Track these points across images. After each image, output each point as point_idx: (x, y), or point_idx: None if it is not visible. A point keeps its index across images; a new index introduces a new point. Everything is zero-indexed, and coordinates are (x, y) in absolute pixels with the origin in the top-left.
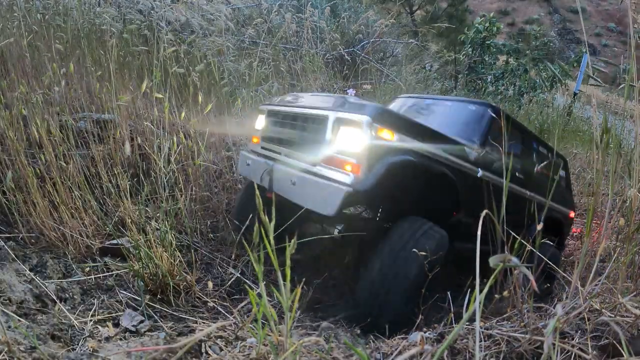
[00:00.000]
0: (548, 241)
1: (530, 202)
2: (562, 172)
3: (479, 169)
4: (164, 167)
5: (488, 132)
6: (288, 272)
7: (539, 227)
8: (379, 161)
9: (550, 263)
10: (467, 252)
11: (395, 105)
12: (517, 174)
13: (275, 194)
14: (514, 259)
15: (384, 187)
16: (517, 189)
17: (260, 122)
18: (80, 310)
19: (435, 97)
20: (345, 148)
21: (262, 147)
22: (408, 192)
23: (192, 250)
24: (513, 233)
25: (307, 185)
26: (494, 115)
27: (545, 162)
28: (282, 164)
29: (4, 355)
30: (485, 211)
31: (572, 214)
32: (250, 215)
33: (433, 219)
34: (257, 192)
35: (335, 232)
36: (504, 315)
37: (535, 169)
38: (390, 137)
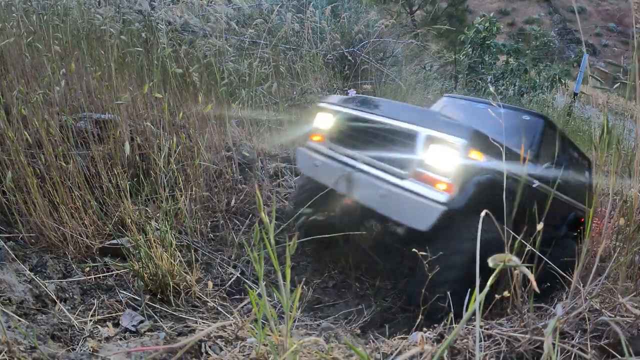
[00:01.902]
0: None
1: (565, 205)
2: (586, 173)
3: (535, 180)
4: (164, 167)
5: (541, 143)
6: (288, 272)
7: (539, 227)
8: (469, 181)
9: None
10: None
11: (441, 105)
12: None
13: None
14: (514, 259)
15: (472, 205)
16: (559, 195)
17: (325, 121)
18: (80, 310)
19: (485, 101)
20: (437, 166)
21: (330, 149)
22: (488, 207)
23: (192, 250)
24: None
25: (400, 200)
26: (546, 126)
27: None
28: (363, 173)
29: (4, 355)
30: (485, 211)
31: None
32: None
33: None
34: (259, 195)
35: (399, 230)
36: (505, 318)
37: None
38: (478, 158)
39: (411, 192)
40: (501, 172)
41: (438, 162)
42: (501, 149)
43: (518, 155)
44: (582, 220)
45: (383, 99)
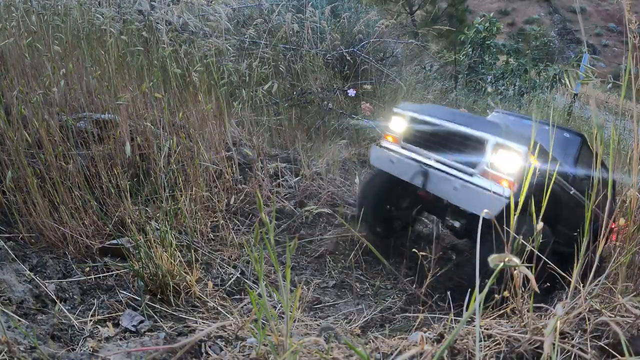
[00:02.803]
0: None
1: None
2: (611, 190)
3: (572, 187)
4: (164, 167)
5: (578, 157)
6: (288, 272)
7: (539, 227)
8: (529, 181)
9: None
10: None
11: (493, 119)
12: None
13: (427, 192)
14: (514, 259)
15: (526, 201)
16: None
17: (400, 124)
18: (80, 310)
19: (530, 117)
20: (502, 167)
21: (404, 148)
22: (538, 204)
23: (192, 250)
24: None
25: (471, 193)
26: (582, 143)
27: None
28: (437, 170)
29: (4, 355)
30: (485, 210)
31: (612, 224)
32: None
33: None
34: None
35: (457, 224)
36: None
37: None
38: (535, 162)
39: (481, 186)
40: (551, 177)
41: (504, 163)
42: (553, 158)
43: (563, 171)
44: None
45: (451, 109)
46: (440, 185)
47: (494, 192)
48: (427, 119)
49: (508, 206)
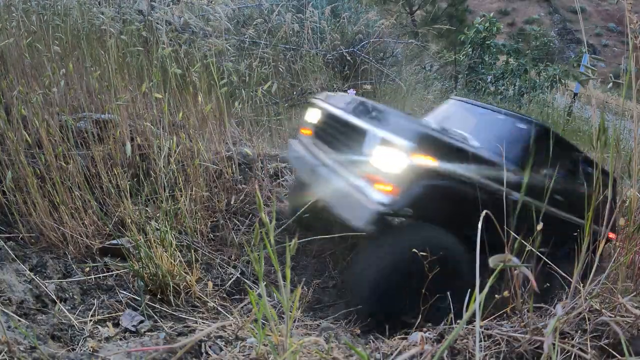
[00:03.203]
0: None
1: (566, 224)
2: (609, 194)
3: (516, 192)
4: (164, 167)
5: (533, 154)
6: (288, 272)
7: (539, 227)
8: (415, 185)
9: None
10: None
11: (446, 108)
12: (555, 196)
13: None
14: (514, 259)
15: (416, 209)
16: (553, 211)
17: (312, 116)
18: (80, 310)
19: (488, 106)
20: (385, 168)
21: (312, 142)
22: (440, 213)
23: (192, 250)
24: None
25: (345, 197)
26: (541, 136)
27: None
28: (326, 168)
29: (4, 355)
30: (485, 211)
31: (611, 235)
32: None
33: (465, 237)
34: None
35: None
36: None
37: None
38: (430, 163)
39: (357, 190)
40: (465, 179)
41: (384, 162)
42: (460, 153)
43: (494, 164)
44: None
45: (362, 98)
46: (321, 186)
47: (367, 197)
48: (328, 109)
49: (387, 216)
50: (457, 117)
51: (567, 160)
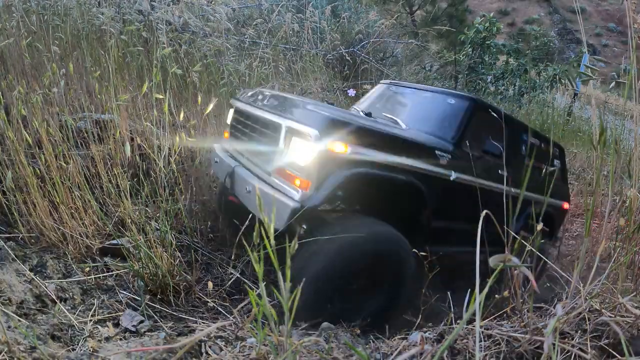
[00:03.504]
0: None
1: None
2: (556, 162)
3: (453, 172)
4: (164, 167)
5: (465, 128)
6: (288, 272)
7: (539, 227)
8: (330, 176)
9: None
10: (454, 256)
11: (375, 93)
12: (499, 172)
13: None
14: (514, 259)
15: (338, 201)
16: (499, 188)
17: (231, 117)
18: (80, 310)
19: (416, 86)
20: (295, 161)
21: (229, 144)
22: (367, 203)
23: (192, 250)
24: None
25: (260, 197)
26: (473, 109)
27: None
28: (243, 168)
29: (4, 355)
30: (485, 211)
31: (565, 205)
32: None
33: (399, 226)
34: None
35: (301, 231)
36: (504, 315)
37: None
38: (343, 150)
39: (271, 188)
40: (383, 164)
41: (296, 155)
42: (380, 137)
43: (422, 145)
44: (552, 216)
45: (273, 91)
46: (238, 187)
47: (282, 195)
48: (240, 106)
49: (302, 213)
50: (386, 101)
51: (506, 133)
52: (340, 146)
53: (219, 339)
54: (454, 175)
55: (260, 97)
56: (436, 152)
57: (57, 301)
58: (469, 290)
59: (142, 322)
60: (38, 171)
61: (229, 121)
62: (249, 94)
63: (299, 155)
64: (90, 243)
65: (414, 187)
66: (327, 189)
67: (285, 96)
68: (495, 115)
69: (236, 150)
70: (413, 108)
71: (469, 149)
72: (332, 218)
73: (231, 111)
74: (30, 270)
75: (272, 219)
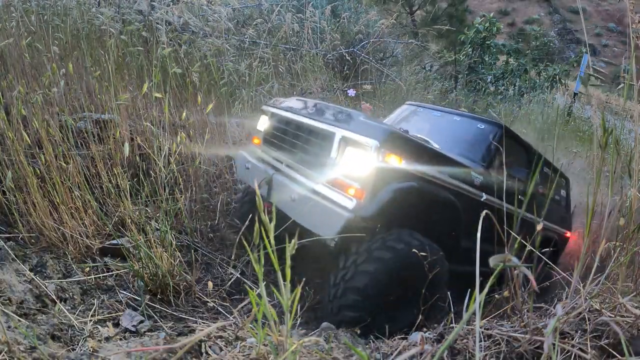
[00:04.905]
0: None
1: (528, 223)
2: (562, 192)
3: (483, 193)
4: (163, 167)
5: (495, 153)
6: (288, 272)
7: (539, 227)
8: (384, 187)
9: None
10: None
11: (401, 113)
12: (519, 196)
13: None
14: (514, 259)
15: (386, 212)
16: (519, 211)
17: (263, 123)
18: (80, 310)
19: (444, 109)
20: (350, 170)
21: (263, 151)
22: (411, 216)
23: (192, 250)
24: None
25: (308, 205)
26: (501, 135)
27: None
28: (283, 176)
29: (4, 355)
30: (485, 211)
31: (567, 234)
32: (250, 216)
33: (436, 241)
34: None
35: (332, 243)
36: (504, 314)
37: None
38: (398, 163)
39: (321, 196)
40: (431, 180)
41: (349, 165)
42: (430, 153)
43: (461, 165)
44: (555, 242)
45: (315, 100)
46: (280, 195)
47: (334, 204)
48: (281, 114)
49: (355, 222)
50: (414, 122)
51: (526, 158)
52: (396, 159)
53: (219, 339)
54: (484, 197)
55: (303, 105)
56: (472, 173)
57: (57, 301)
58: (469, 290)
59: (142, 322)
60: (38, 171)
61: (260, 127)
62: (287, 101)
63: (354, 164)
64: (90, 243)
65: (453, 205)
66: (380, 199)
67: (335, 106)
68: (517, 141)
69: (272, 157)
70: (443, 130)
71: (496, 172)
72: (382, 228)
73: (264, 118)
74: (30, 270)
75: (323, 226)
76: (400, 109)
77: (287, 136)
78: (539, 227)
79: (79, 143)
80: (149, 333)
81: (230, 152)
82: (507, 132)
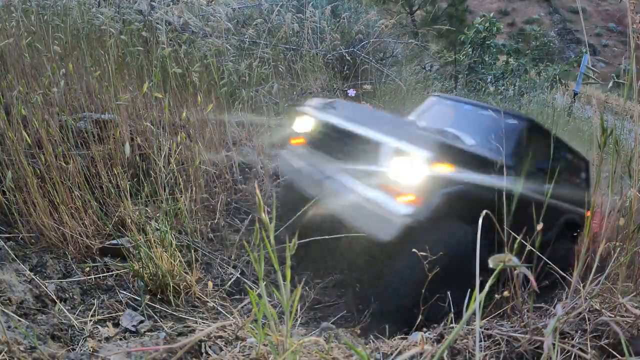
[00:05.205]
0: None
1: (554, 209)
2: (583, 175)
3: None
4: (164, 167)
5: (524, 147)
6: (288, 272)
7: (539, 227)
8: (435, 193)
9: None
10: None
11: (430, 105)
12: (545, 186)
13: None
14: (514, 259)
15: (438, 216)
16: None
17: (304, 125)
18: (80, 310)
19: (473, 102)
20: (402, 178)
21: (308, 153)
22: (459, 214)
23: (192, 250)
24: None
25: (363, 210)
26: (530, 129)
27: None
28: (335, 180)
29: (4, 355)
30: (485, 211)
31: (587, 213)
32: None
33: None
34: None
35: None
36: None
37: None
38: (446, 170)
39: (375, 202)
40: (474, 182)
41: (403, 174)
42: (470, 159)
43: (494, 163)
44: (577, 223)
45: (362, 105)
46: (333, 199)
47: (389, 210)
48: (329, 119)
49: (412, 226)
50: (443, 114)
51: (551, 149)
52: (446, 167)
53: (219, 339)
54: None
55: (349, 111)
56: (505, 170)
57: (57, 301)
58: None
59: (142, 322)
60: (38, 171)
61: (298, 129)
62: (327, 104)
63: (407, 173)
64: (90, 243)
65: (491, 200)
66: (432, 203)
67: (384, 114)
68: (545, 134)
69: (319, 160)
70: (473, 124)
71: (525, 165)
72: (433, 227)
73: (302, 119)
74: (30, 270)
75: (379, 230)
76: (429, 101)
77: (334, 141)
78: (538, 227)
79: (79, 143)
80: (149, 333)
81: (230, 153)
82: (537, 126)
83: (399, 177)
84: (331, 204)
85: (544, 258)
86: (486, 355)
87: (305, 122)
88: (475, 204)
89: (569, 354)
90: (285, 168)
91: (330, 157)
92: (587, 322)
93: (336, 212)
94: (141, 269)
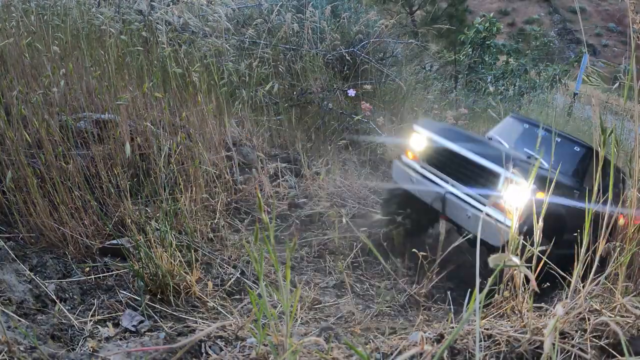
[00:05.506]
0: None
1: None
2: (620, 186)
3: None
4: (164, 167)
5: (586, 171)
6: (288, 272)
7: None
8: (533, 212)
9: None
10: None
11: (508, 126)
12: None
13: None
14: (514, 259)
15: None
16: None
17: (419, 143)
18: (80, 310)
19: (546, 127)
20: (511, 199)
21: (423, 168)
22: (549, 228)
23: (192, 250)
24: None
25: (483, 222)
26: (591, 156)
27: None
28: (454, 195)
29: (4, 355)
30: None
31: (620, 217)
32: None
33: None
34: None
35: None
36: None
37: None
38: (544, 196)
39: (491, 217)
40: (559, 204)
41: (512, 196)
42: (565, 186)
43: (568, 187)
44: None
45: (470, 133)
46: (456, 211)
47: (502, 223)
48: (445, 143)
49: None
50: (521, 136)
51: (605, 172)
52: (544, 194)
53: (219, 339)
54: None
55: (466, 138)
56: (574, 191)
57: (57, 301)
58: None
59: (142, 322)
60: (38, 171)
61: (414, 145)
62: (444, 128)
63: (515, 197)
64: (90, 243)
65: (569, 217)
66: (531, 220)
67: (496, 145)
68: (600, 160)
69: (436, 176)
70: (547, 148)
71: (587, 186)
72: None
73: (420, 138)
74: (30, 270)
75: (494, 238)
76: (506, 120)
77: (452, 163)
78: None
79: (79, 143)
80: (149, 333)
81: (230, 153)
82: (593, 152)
83: (507, 197)
84: (453, 215)
85: (545, 259)
86: (486, 355)
87: (421, 140)
88: (559, 219)
89: (569, 354)
90: (399, 177)
91: (448, 175)
92: (587, 322)
93: (458, 222)
94: (141, 269)
